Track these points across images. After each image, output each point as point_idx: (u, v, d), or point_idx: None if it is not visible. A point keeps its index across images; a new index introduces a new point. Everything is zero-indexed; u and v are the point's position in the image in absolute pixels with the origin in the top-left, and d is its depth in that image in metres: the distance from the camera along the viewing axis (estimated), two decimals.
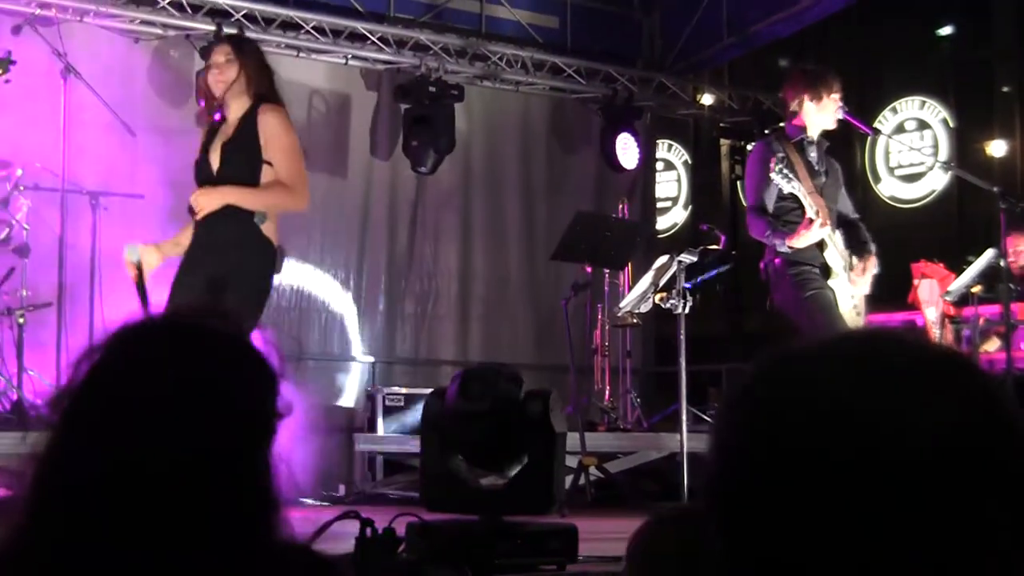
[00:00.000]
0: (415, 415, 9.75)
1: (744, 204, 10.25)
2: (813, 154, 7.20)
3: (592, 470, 8.70)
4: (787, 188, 6.92)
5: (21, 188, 8.89)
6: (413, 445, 9.85)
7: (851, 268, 7.20)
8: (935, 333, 9.01)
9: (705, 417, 9.79)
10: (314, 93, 11.36)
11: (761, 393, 1.24)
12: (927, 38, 12.82)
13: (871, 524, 1.13)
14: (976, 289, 8.87)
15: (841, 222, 7.36)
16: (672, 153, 14.42)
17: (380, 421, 10.27)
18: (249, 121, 6.59)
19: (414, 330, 11.80)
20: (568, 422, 5.67)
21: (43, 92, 9.37)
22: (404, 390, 10.50)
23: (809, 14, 11.42)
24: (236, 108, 6.61)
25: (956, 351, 1.26)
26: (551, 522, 5.53)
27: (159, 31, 10.40)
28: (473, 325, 12.05)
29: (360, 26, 11.23)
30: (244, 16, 10.58)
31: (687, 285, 8.13)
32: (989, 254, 8.73)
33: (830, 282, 7.05)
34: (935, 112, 12.41)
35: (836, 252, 7.08)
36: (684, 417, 7.77)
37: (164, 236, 7.10)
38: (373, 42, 11.31)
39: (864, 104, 12.15)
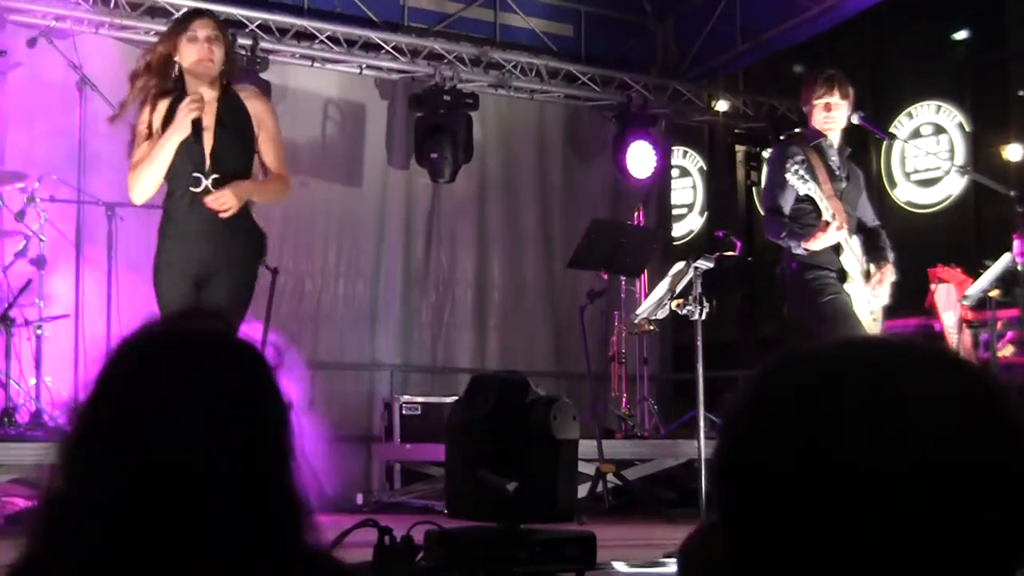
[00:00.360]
0: (432, 423, 9.76)
1: (760, 210, 10.26)
2: (834, 158, 7.19)
3: (610, 477, 8.69)
4: (803, 189, 6.90)
5: (37, 200, 8.90)
6: (430, 454, 9.88)
7: (868, 277, 7.18)
8: (953, 338, 9.00)
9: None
10: (329, 103, 11.38)
11: (764, 396, 1.24)
12: (942, 42, 12.79)
13: (870, 526, 1.13)
14: (994, 293, 8.84)
15: (861, 228, 7.35)
16: (687, 160, 14.40)
17: (397, 430, 10.28)
18: (234, 105, 6.36)
19: (431, 338, 11.80)
20: (585, 429, 5.66)
21: (59, 104, 9.41)
22: (421, 399, 10.52)
23: (822, 20, 11.41)
24: (208, 90, 6.27)
25: (958, 356, 1.26)
26: (569, 529, 5.53)
27: None
28: (490, 333, 12.04)
29: (374, 35, 11.25)
30: (258, 26, 10.61)
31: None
32: (1006, 258, 8.70)
33: (847, 287, 7.03)
34: (951, 116, 12.38)
35: (853, 257, 7.06)
36: (701, 424, 7.76)
37: None
38: (387, 51, 11.32)
39: (880, 109, 12.13)
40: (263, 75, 10.37)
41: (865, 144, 11.74)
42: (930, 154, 12.24)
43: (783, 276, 7.19)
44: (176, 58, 6.24)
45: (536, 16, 12.37)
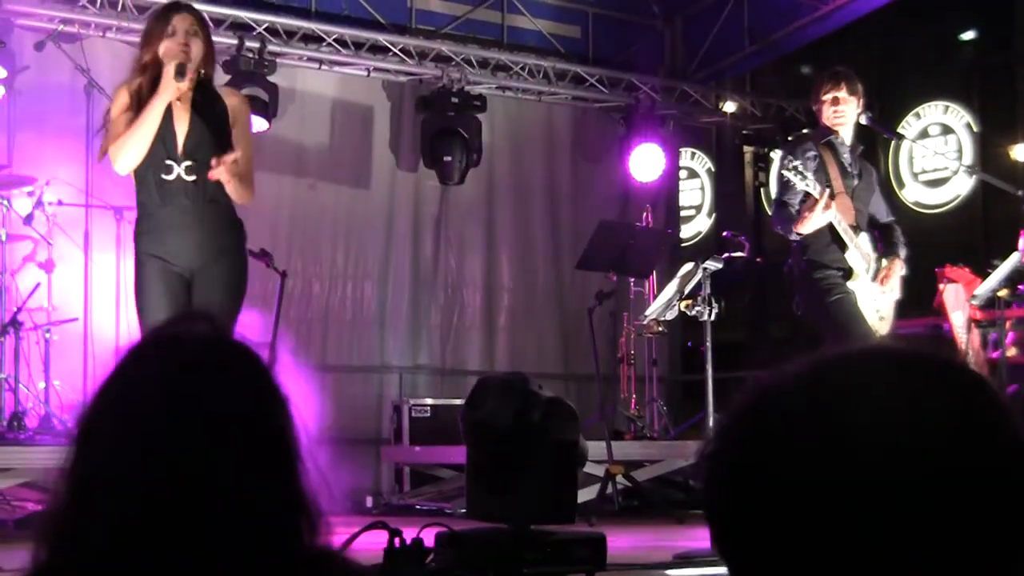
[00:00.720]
0: (442, 426, 9.77)
1: (767, 211, 10.25)
2: (846, 155, 7.17)
3: (619, 479, 8.69)
4: (800, 185, 6.88)
5: (46, 203, 8.92)
6: (440, 456, 9.88)
7: (877, 274, 7.16)
8: (962, 338, 8.98)
9: None
10: (336, 105, 11.39)
11: (757, 414, 1.24)
12: (950, 43, 12.77)
13: (870, 534, 1.13)
14: (1002, 293, 8.83)
15: (874, 225, 7.33)
16: (695, 161, 14.40)
17: (407, 432, 10.28)
18: (210, 96, 6.17)
19: (440, 341, 11.81)
20: (594, 431, 5.66)
21: (67, 107, 9.43)
22: (430, 401, 10.53)
23: (830, 21, 11.41)
24: (184, 83, 5.99)
25: (958, 363, 1.25)
26: (579, 531, 5.53)
27: None
28: (499, 335, 12.05)
29: (382, 38, 11.26)
30: (266, 29, 10.62)
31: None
32: (1014, 258, 8.69)
33: (851, 284, 7.01)
34: (958, 116, 12.36)
35: (859, 255, 7.05)
36: (711, 425, 7.75)
37: None
38: (395, 54, 11.33)
39: (887, 110, 12.12)
40: (271, 78, 10.38)
41: (873, 145, 11.72)
42: (938, 154, 12.23)
43: (791, 274, 7.19)
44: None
45: (543, 18, 12.38)
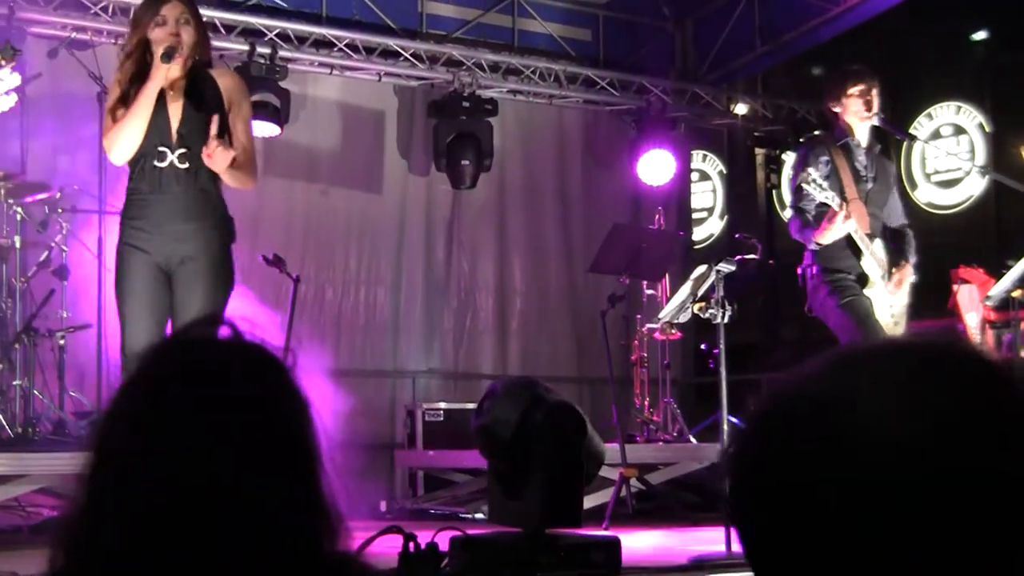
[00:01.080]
0: (455, 430, 9.77)
1: (779, 213, 10.24)
2: (861, 157, 7.17)
3: (633, 482, 8.68)
4: (820, 197, 6.89)
5: (60, 210, 8.94)
6: (453, 460, 9.89)
7: (889, 279, 7.16)
8: (976, 339, 8.96)
9: None
10: (348, 110, 11.41)
11: (770, 417, 1.24)
12: (961, 43, 12.74)
13: (882, 532, 1.13)
14: (1017, 293, 8.81)
15: (889, 229, 7.33)
16: (707, 163, 14.38)
17: (420, 436, 10.28)
18: (203, 81, 6.07)
19: (453, 345, 11.82)
20: (608, 434, 5.66)
21: (80, 115, 9.44)
22: (444, 405, 10.52)
23: (841, 21, 11.40)
24: (173, 70, 5.93)
25: (978, 354, 1.24)
26: (593, 534, 5.54)
27: None
28: (512, 339, 12.06)
29: (393, 43, 11.26)
30: (277, 35, 10.63)
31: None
32: None
33: (867, 291, 7.01)
34: (971, 117, 12.33)
35: (873, 261, 7.04)
36: (725, 427, 7.74)
37: None
38: (406, 58, 11.34)
39: (899, 110, 12.09)
40: (282, 83, 10.40)
41: (885, 146, 11.70)
42: (950, 155, 12.20)
43: (804, 278, 7.19)
44: (151, 41, 5.92)
45: (554, 21, 12.38)
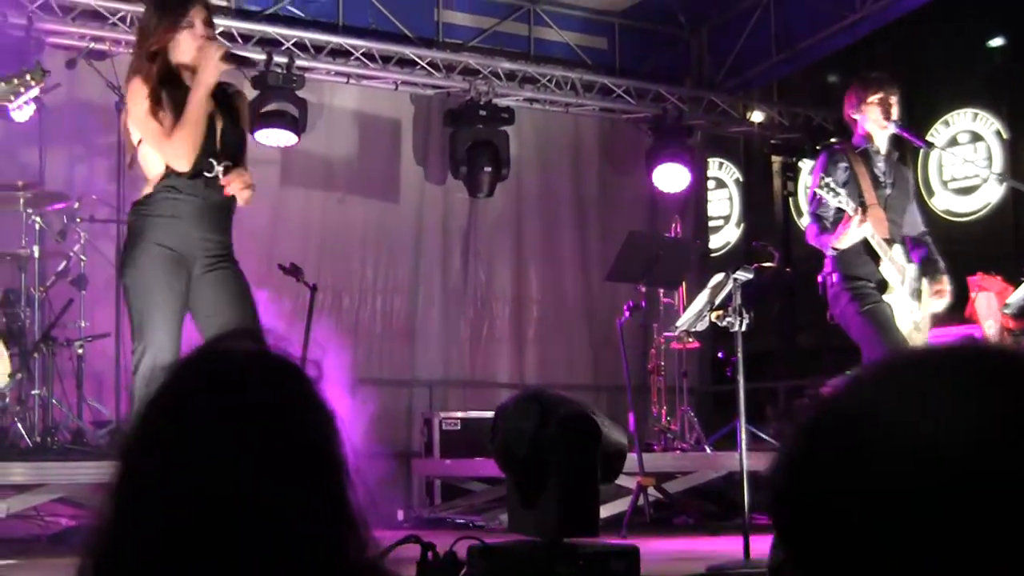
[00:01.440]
0: (472, 439, 9.77)
1: (796, 220, 10.22)
2: (880, 164, 7.16)
3: (651, 491, 8.67)
4: (834, 203, 6.89)
5: (78, 220, 8.97)
6: (470, 469, 9.88)
7: (911, 287, 7.14)
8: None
9: (763, 436, 9.72)
10: (364, 119, 11.43)
11: (811, 427, 1.24)
12: (978, 50, 12.72)
13: (887, 542, 1.13)
14: None
15: (908, 237, 7.32)
16: (723, 171, 14.38)
17: (437, 445, 10.28)
18: (229, 99, 6.03)
19: (470, 353, 11.82)
20: (626, 442, 5.65)
21: (98, 124, 9.48)
22: (460, 414, 10.52)
23: (857, 29, 11.39)
24: (188, 78, 5.85)
25: (1008, 356, 1.23)
26: (612, 543, 5.53)
27: None
28: (528, 347, 12.06)
29: (409, 52, 11.28)
30: (294, 44, 10.66)
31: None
32: None
33: (887, 297, 7.00)
34: (988, 124, 12.31)
35: (893, 267, 7.04)
36: (742, 435, 7.73)
37: None
38: (423, 67, 11.36)
39: (916, 118, 12.07)
40: (299, 93, 10.42)
41: (902, 153, 11.67)
42: (967, 162, 12.18)
43: (824, 286, 7.18)
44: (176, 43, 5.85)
45: (570, 30, 12.39)
